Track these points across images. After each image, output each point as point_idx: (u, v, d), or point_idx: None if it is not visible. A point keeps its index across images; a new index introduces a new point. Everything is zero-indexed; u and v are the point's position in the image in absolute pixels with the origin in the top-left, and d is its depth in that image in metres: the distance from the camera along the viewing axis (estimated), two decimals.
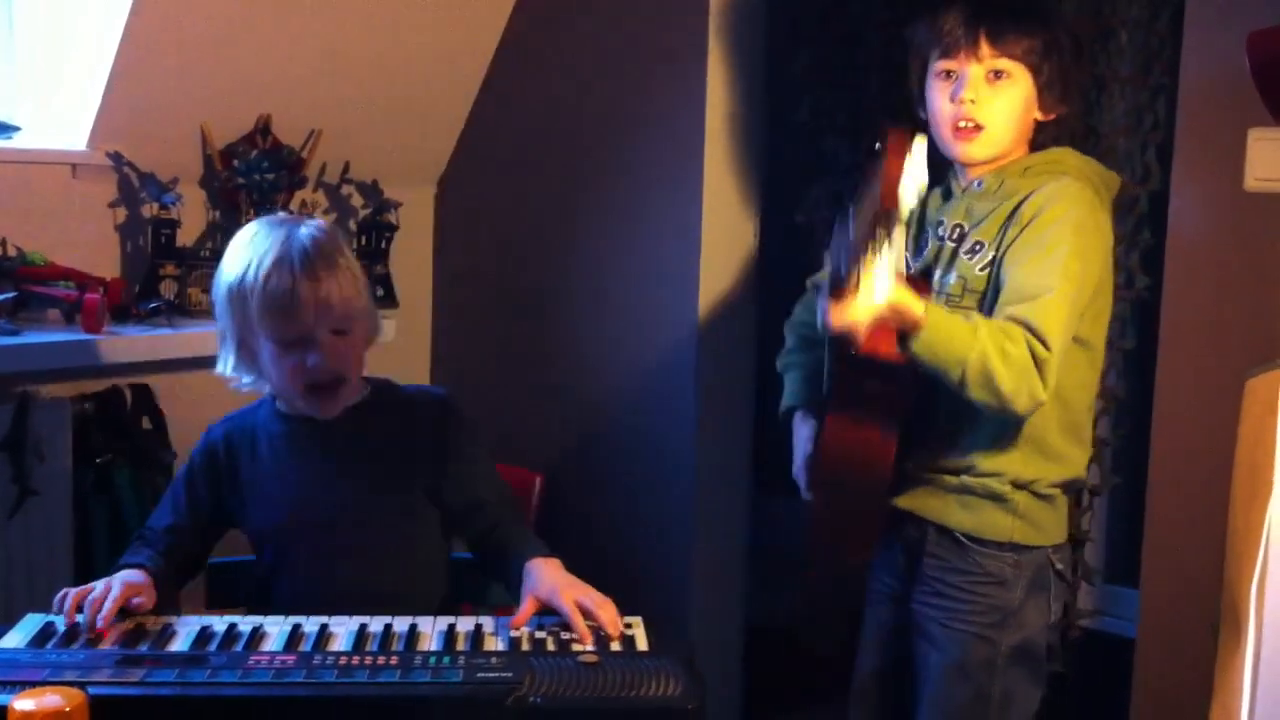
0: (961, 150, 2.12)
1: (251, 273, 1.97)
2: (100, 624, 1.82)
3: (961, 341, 1.91)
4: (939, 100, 2.13)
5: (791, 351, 2.39)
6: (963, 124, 2.10)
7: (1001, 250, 2.06)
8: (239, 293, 1.98)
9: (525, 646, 1.80)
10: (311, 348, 1.98)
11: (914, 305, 1.89)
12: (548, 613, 1.89)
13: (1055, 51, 2.10)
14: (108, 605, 1.83)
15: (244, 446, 2.12)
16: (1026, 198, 2.06)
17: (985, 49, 2.08)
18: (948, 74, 2.11)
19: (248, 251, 2.00)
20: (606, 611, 1.85)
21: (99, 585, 1.88)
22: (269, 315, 1.96)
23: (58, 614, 1.86)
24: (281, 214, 2.12)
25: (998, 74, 2.08)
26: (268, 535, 2.10)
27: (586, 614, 1.85)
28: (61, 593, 1.88)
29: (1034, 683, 2.18)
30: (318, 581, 2.06)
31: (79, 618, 1.84)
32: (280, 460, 2.10)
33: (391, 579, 2.06)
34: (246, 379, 2.07)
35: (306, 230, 2.02)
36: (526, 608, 1.89)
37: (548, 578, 1.92)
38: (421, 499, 2.10)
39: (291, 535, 2.08)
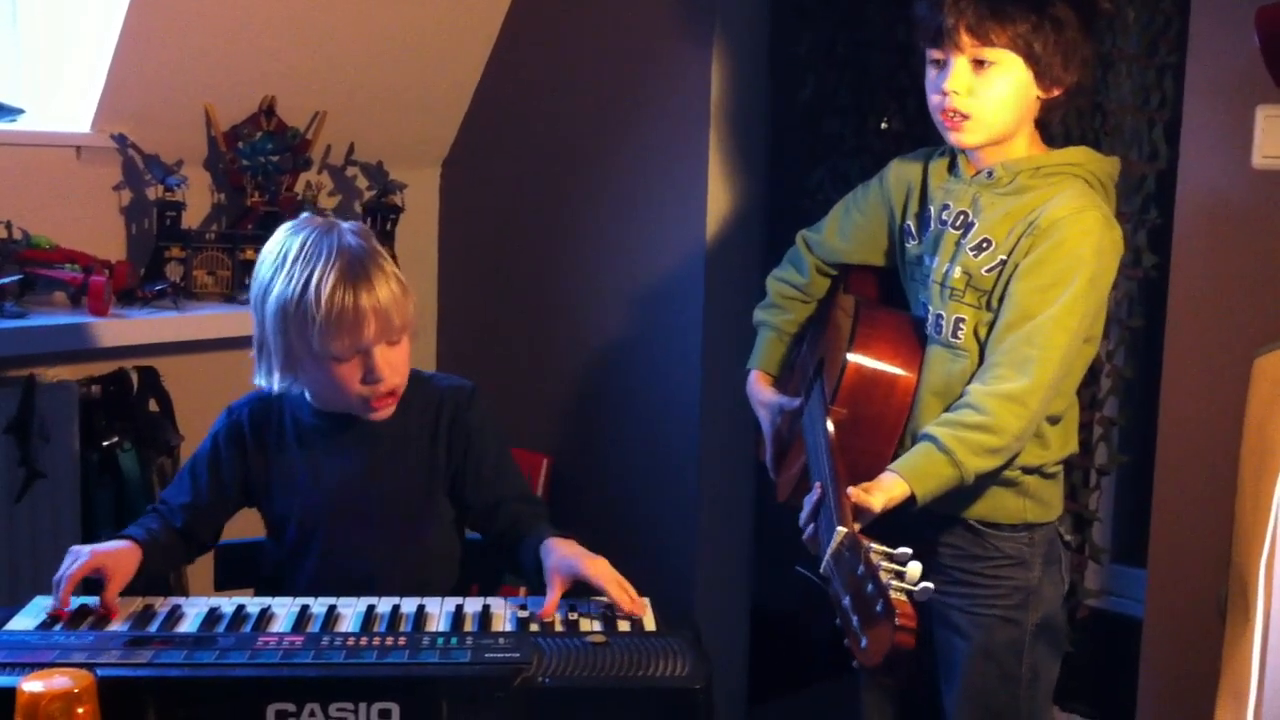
0: (954, 138, 2.10)
1: (311, 294, 1.89)
2: (56, 604, 1.82)
3: (950, 472, 1.95)
4: (930, 87, 2.11)
5: (769, 307, 2.43)
6: (949, 114, 2.07)
7: (1014, 257, 2.04)
8: (297, 313, 1.91)
9: (533, 627, 1.80)
10: (369, 363, 1.95)
11: (899, 491, 1.92)
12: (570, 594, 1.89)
13: (1050, 30, 2.04)
14: (61, 588, 1.83)
15: (270, 429, 2.09)
16: (1043, 208, 2.04)
17: (966, 39, 2.03)
18: (937, 61, 2.09)
19: (299, 268, 1.92)
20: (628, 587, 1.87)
21: (67, 558, 1.88)
22: (332, 335, 1.91)
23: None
24: (310, 217, 2.02)
25: (984, 61, 2.04)
26: (291, 521, 2.08)
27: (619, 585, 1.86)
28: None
29: (1056, 655, 2.21)
30: (335, 569, 2.05)
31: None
32: (311, 449, 2.08)
33: (408, 570, 2.05)
34: (282, 384, 2.01)
35: (351, 237, 1.95)
36: (554, 594, 1.87)
37: (568, 553, 1.92)
38: (441, 494, 2.09)
39: (316, 523, 2.07)
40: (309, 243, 1.94)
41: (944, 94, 2.06)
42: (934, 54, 2.09)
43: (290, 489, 2.08)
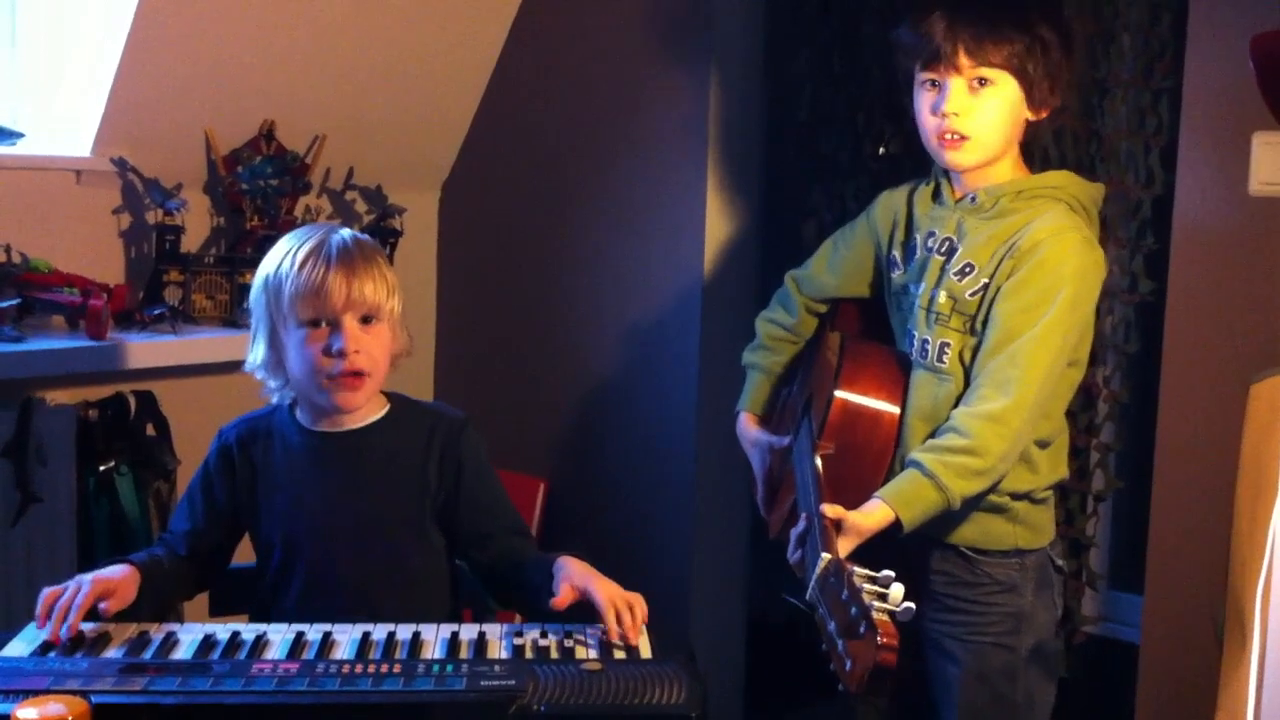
0: (950, 159, 2.11)
1: (287, 262, 2.01)
2: (65, 633, 1.82)
3: (935, 496, 1.96)
4: (924, 110, 2.12)
5: (758, 349, 2.45)
6: (948, 135, 2.09)
7: (996, 280, 2.06)
8: (274, 281, 2.02)
9: (529, 654, 1.80)
10: (336, 332, 1.99)
11: (883, 516, 1.94)
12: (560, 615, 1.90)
13: (1040, 51, 2.08)
14: (72, 615, 1.83)
15: (258, 451, 2.11)
16: (1024, 230, 2.06)
17: (964, 60, 2.06)
18: (931, 83, 2.11)
19: (285, 245, 2.05)
20: (639, 607, 1.87)
21: (70, 586, 1.88)
22: (300, 297, 1.99)
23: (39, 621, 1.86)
24: (322, 222, 2.17)
25: (981, 81, 2.07)
26: (275, 545, 2.09)
27: (620, 612, 1.86)
28: (41, 595, 1.88)
29: (1050, 679, 2.20)
30: (321, 594, 2.05)
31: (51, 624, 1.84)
32: (295, 472, 2.09)
33: (395, 596, 2.04)
34: (273, 383, 2.07)
35: (347, 231, 2.07)
36: (566, 591, 1.89)
37: (584, 569, 1.94)
38: (430, 521, 2.09)
39: (300, 547, 2.07)
40: (300, 231, 2.08)
41: (943, 116, 2.08)
42: (928, 76, 2.11)
43: (275, 511, 2.09)
